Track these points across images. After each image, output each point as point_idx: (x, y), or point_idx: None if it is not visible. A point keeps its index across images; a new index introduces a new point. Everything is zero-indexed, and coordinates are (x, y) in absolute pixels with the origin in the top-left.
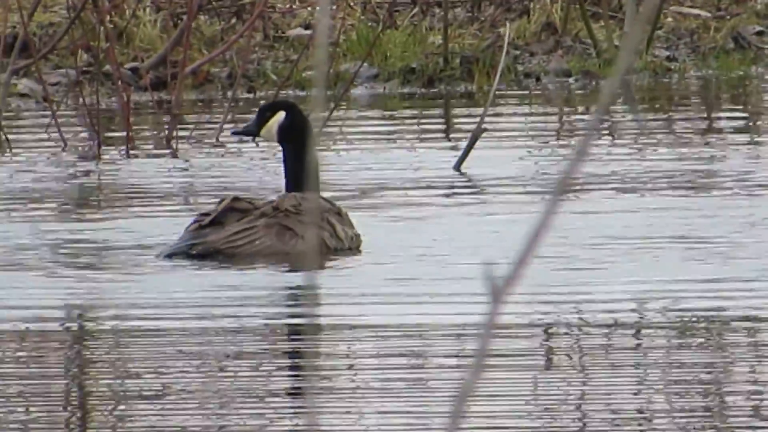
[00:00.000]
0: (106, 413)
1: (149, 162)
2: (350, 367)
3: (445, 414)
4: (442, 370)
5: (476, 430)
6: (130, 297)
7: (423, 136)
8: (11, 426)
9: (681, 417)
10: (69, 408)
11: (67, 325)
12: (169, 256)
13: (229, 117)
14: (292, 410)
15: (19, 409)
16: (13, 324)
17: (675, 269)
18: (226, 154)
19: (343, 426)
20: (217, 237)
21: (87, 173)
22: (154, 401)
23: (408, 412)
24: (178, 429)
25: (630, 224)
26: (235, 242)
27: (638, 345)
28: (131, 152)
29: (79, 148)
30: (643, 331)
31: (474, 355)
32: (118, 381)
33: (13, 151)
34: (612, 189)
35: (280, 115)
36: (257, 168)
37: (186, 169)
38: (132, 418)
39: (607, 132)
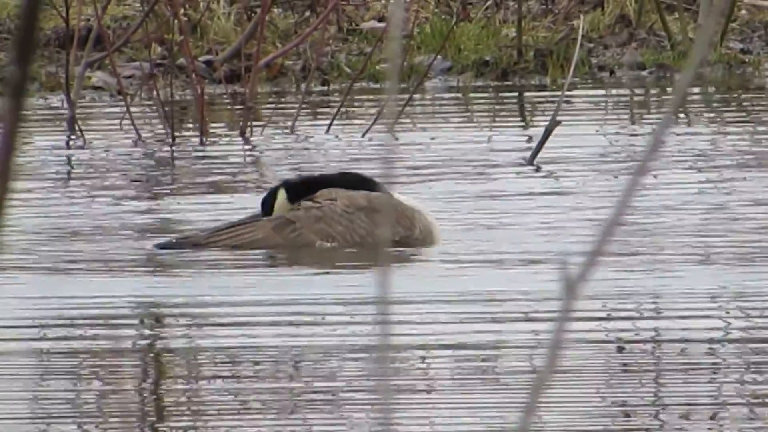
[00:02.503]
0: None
1: (223, 153)
2: (423, 359)
3: (518, 407)
4: (516, 364)
5: (550, 424)
6: (206, 295)
7: (496, 129)
8: (93, 418)
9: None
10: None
11: (146, 320)
12: (163, 246)
13: (303, 110)
14: (368, 408)
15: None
16: (88, 318)
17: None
18: (300, 145)
19: (417, 418)
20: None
21: (161, 165)
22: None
23: (481, 406)
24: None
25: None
26: (219, 236)
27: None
28: (205, 145)
29: (153, 141)
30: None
31: (548, 348)
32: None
33: (88, 143)
34: (688, 167)
35: (282, 195)
36: (333, 158)
37: (258, 160)
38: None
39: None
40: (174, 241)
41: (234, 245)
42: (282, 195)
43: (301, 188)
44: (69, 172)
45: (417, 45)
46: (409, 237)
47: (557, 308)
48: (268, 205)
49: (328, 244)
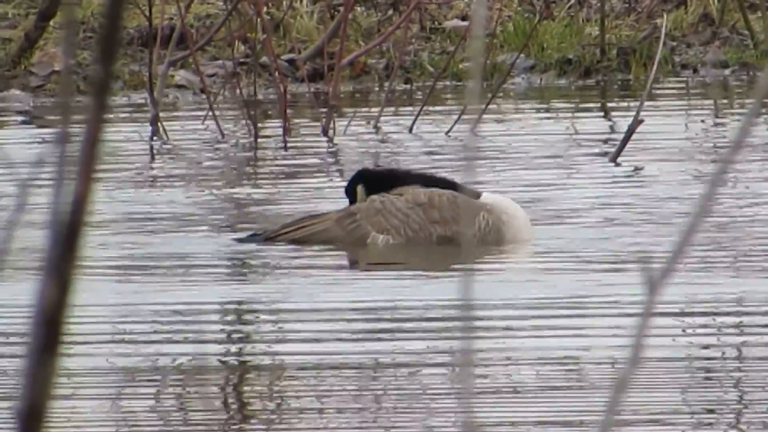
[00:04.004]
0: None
1: (306, 151)
2: (506, 364)
3: (601, 409)
4: (599, 365)
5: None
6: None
7: (580, 128)
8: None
9: None
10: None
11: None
12: (242, 240)
13: (386, 108)
14: (451, 411)
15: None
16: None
17: None
18: (383, 143)
19: (500, 419)
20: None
21: (244, 164)
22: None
23: (564, 409)
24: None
25: None
26: (289, 229)
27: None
28: (288, 144)
29: (237, 140)
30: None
31: (630, 346)
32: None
33: (171, 142)
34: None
35: (360, 190)
36: (415, 157)
37: (341, 158)
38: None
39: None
40: (251, 235)
41: (300, 238)
42: (360, 189)
43: (379, 180)
44: (151, 169)
45: (500, 43)
46: (459, 235)
47: (640, 307)
48: (350, 193)
49: (382, 237)
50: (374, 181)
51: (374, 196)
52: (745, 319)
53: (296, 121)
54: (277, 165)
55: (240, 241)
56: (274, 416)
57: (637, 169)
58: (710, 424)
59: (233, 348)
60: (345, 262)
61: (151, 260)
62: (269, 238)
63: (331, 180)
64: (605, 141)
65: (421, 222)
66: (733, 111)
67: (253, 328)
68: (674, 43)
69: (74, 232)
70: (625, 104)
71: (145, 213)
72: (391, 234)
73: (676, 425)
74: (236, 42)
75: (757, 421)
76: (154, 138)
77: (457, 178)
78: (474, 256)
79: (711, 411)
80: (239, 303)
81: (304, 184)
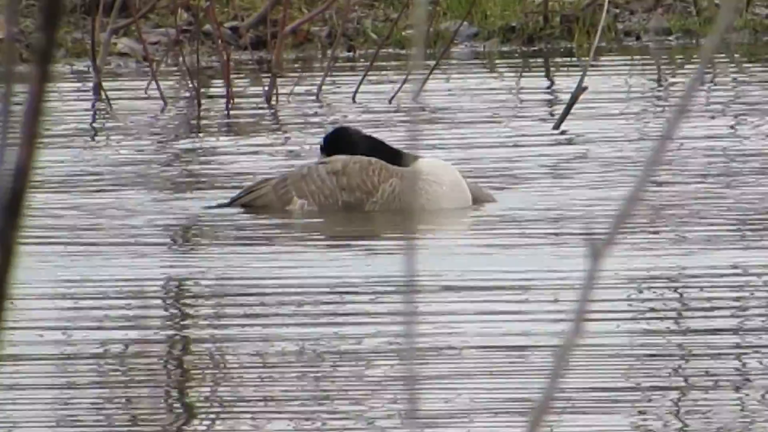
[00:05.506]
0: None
1: (248, 118)
2: (448, 326)
3: (545, 375)
4: (542, 331)
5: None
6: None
7: (522, 94)
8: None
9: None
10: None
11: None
12: (209, 208)
13: (329, 76)
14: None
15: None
16: (109, 299)
17: None
18: (325, 111)
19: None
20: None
21: (188, 130)
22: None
23: (508, 373)
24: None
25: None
26: (243, 195)
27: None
28: (231, 111)
29: (179, 107)
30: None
31: (573, 313)
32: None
33: (114, 110)
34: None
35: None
36: (358, 125)
37: (284, 126)
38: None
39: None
40: (218, 204)
41: (246, 203)
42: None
43: (340, 142)
44: (94, 137)
45: (443, 11)
46: (364, 201)
47: (582, 275)
48: (326, 147)
49: (300, 202)
50: (346, 142)
51: (305, 163)
52: (688, 293)
53: (239, 89)
54: (219, 132)
55: (209, 208)
56: (216, 405)
57: (579, 136)
58: (653, 404)
59: (173, 327)
60: (277, 232)
61: (93, 233)
62: (229, 204)
63: (273, 147)
64: (549, 107)
65: (333, 188)
66: (675, 75)
67: (198, 305)
68: (617, 11)
69: (17, 199)
70: (569, 72)
71: (88, 172)
72: (308, 199)
73: (619, 405)
74: (179, 10)
75: (700, 399)
76: (97, 105)
77: (401, 145)
78: (392, 224)
79: (655, 391)
80: (181, 279)
81: (246, 152)
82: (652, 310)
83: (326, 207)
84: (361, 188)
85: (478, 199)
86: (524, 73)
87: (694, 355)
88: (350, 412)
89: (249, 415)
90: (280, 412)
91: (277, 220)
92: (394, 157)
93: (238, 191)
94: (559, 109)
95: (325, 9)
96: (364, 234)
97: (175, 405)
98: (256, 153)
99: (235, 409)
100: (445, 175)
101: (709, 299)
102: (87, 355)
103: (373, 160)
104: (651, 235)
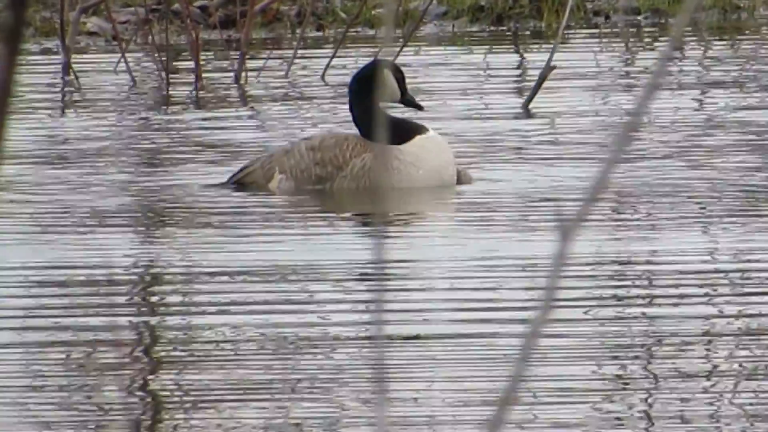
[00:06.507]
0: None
1: (217, 97)
2: (419, 311)
3: (514, 357)
4: (513, 309)
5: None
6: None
7: (491, 73)
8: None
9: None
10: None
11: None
12: (212, 186)
13: (298, 55)
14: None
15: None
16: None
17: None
18: (294, 91)
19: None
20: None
21: (157, 109)
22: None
23: (476, 355)
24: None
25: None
26: (238, 173)
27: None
28: (200, 90)
29: (149, 86)
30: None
31: (543, 293)
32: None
33: (83, 89)
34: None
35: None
36: (326, 103)
37: (253, 105)
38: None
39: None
40: (226, 180)
41: (238, 180)
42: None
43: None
44: (62, 114)
45: None
46: (334, 176)
47: (552, 257)
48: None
49: (279, 177)
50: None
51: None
52: (657, 279)
53: (208, 67)
54: (189, 111)
55: (207, 186)
56: (183, 397)
57: (546, 117)
58: (622, 394)
59: (142, 313)
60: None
61: (62, 215)
62: (226, 183)
63: (243, 127)
64: (518, 87)
65: (308, 163)
66: (644, 54)
67: (166, 291)
68: None
69: None
70: (539, 50)
71: (53, 147)
72: (286, 174)
73: (588, 394)
74: None
75: (666, 389)
76: (66, 85)
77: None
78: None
79: (623, 381)
80: (148, 265)
81: (215, 130)
82: (617, 297)
83: (302, 181)
84: (333, 162)
85: (460, 182)
86: (493, 50)
87: (662, 342)
88: (319, 400)
89: (217, 404)
90: (248, 400)
91: (249, 199)
92: (401, 122)
93: (197, 167)
94: (529, 87)
95: None
96: (330, 214)
97: (140, 393)
98: (223, 128)
99: (204, 398)
100: (429, 158)
101: (677, 286)
102: (51, 342)
103: (351, 135)
104: (618, 217)
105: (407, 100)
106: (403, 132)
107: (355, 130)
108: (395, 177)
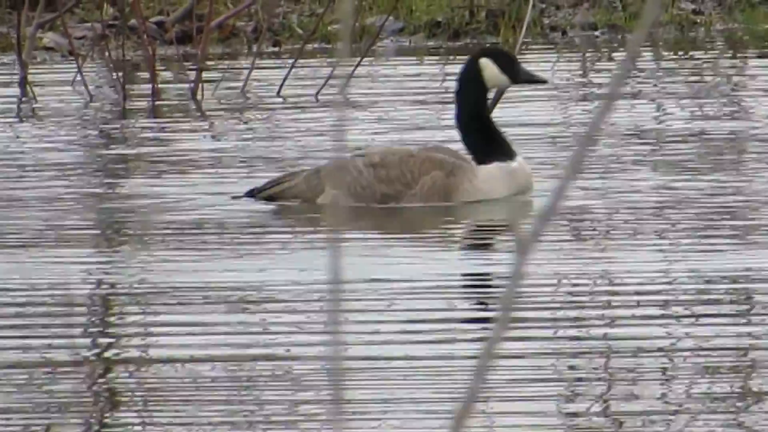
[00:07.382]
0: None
1: (173, 114)
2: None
3: (469, 372)
4: (468, 326)
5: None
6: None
7: (448, 89)
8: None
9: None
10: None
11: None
12: (236, 197)
13: (254, 71)
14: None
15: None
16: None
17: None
18: (251, 107)
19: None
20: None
21: (113, 125)
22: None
23: (434, 372)
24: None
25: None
26: (269, 186)
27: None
28: (156, 105)
29: (105, 102)
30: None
31: (499, 310)
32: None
33: (39, 105)
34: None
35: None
36: (287, 119)
37: (210, 120)
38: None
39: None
40: (248, 192)
41: (274, 194)
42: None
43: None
44: (18, 134)
45: (369, 5)
46: (402, 194)
47: (510, 270)
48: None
49: (333, 192)
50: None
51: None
52: (615, 290)
53: (165, 83)
54: (145, 127)
55: (235, 198)
56: (144, 409)
57: (507, 124)
58: (580, 395)
59: (101, 337)
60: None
61: (22, 232)
62: (254, 195)
63: (199, 142)
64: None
65: (370, 179)
66: (601, 69)
67: (123, 311)
68: (543, 6)
69: None
70: None
71: (10, 161)
72: (342, 190)
73: (545, 397)
74: (105, 4)
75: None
76: (23, 99)
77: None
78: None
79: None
80: (109, 285)
81: (172, 146)
82: (574, 317)
83: (363, 199)
84: (400, 180)
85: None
86: (449, 65)
87: (620, 347)
88: (278, 403)
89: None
90: (210, 424)
91: (215, 217)
92: (496, 138)
93: (152, 180)
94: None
95: (250, 4)
96: (402, 234)
97: (95, 412)
98: (178, 140)
99: (163, 421)
100: (497, 187)
101: (636, 292)
102: (5, 364)
103: (413, 150)
104: (576, 232)
105: (523, 81)
106: (489, 151)
107: (409, 143)
108: (465, 196)
